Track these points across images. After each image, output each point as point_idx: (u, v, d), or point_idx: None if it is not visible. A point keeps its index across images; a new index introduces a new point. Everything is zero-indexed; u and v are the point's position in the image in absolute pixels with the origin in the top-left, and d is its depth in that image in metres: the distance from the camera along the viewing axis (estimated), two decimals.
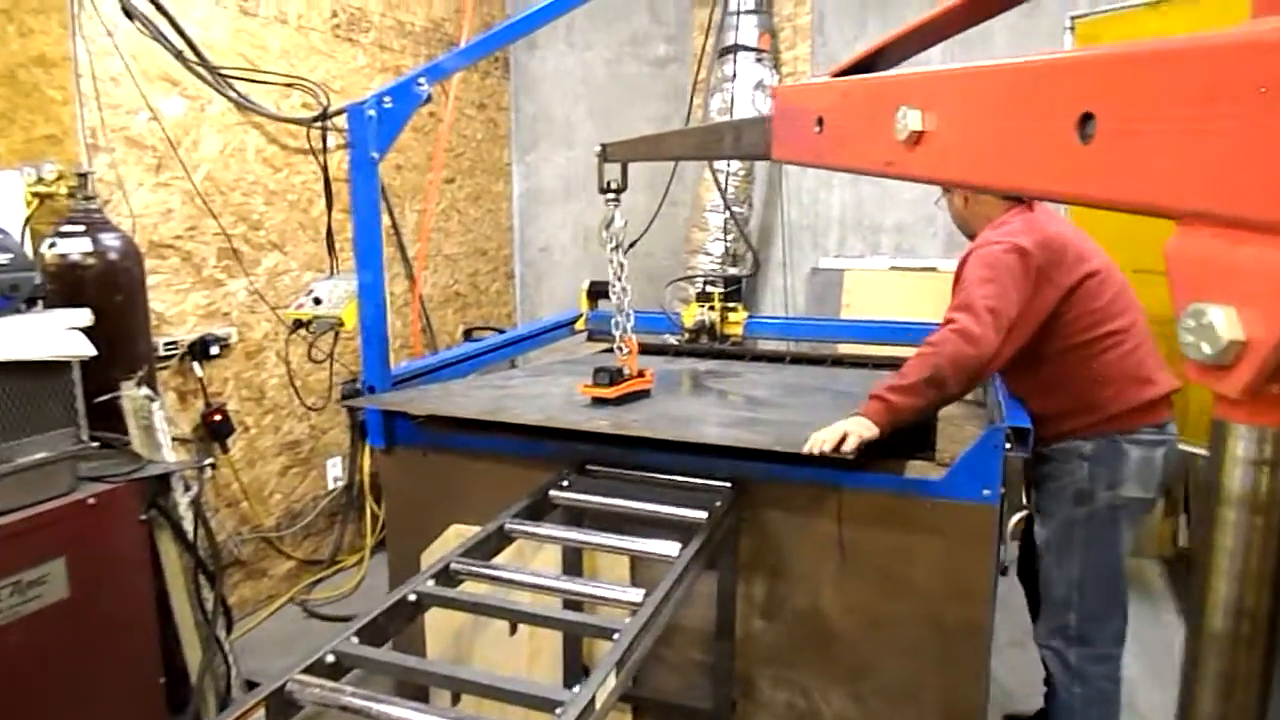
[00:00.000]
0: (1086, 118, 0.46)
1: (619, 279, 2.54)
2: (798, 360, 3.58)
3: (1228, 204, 0.41)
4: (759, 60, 4.50)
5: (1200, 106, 0.41)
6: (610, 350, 3.73)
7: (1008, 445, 2.04)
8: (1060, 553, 2.35)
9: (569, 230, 5.47)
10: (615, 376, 2.48)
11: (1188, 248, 0.43)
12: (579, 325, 3.84)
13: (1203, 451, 3.56)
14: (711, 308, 3.61)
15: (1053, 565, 2.37)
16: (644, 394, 2.59)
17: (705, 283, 4.07)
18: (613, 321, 2.57)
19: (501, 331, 4.49)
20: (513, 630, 1.51)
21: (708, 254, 4.53)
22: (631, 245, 3.73)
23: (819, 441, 1.99)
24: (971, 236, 2.53)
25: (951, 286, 2.35)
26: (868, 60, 0.75)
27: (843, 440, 1.98)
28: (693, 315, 3.60)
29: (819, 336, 3.81)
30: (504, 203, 5.39)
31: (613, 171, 2.41)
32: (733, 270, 4.39)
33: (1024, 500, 2.65)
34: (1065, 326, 2.25)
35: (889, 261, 4.75)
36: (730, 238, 4.44)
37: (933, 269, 4.58)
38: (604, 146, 2.39)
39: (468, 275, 5.04)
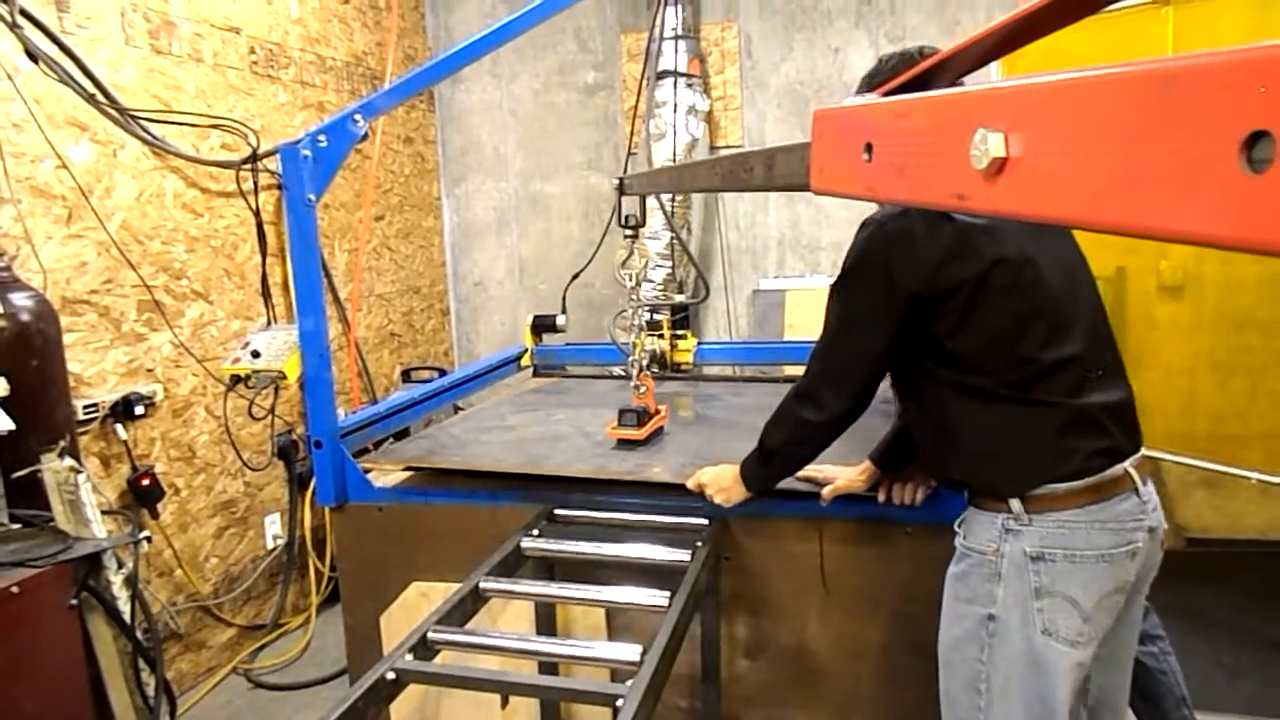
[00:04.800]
0: (1256, 138, 0.39)
1: (635, 315, 2.45)
2: (749, 381, 3.56)
3: None
4: (689, 85, 4.50)
5: None
6: (562, 381, 3.65)
7: None
8: None
9: (503, 263, 5.35)
10: (642, 416, 2.39)
11: None
12: (524, 361, 3.73)
13: None
14: (661, 336, 3.55)
15: None
16: (661, 430, 2.52)
17: (651, 311, 4.00)
18: (630, 360, 2.48)
19: (442, 371, 4.34)
20: (504, 703, 1.39)
21: (649, 281, 4.48)
22: (575, 277, 3.67)
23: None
24: None
25: None
26: (924, 77, 0.68)
27: None
28: (643, 345, 3.53)
29: (769, 360, 3.79)
30: (435, 238, 5.25)
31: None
32: (680, 297, 4.34)
33: None
34: None
35: (828, 280, 4.76)
36: (672, 264, 4.39)
37: None
38: (621, 180, 2.28)
39: (402, 314, 4.87)
